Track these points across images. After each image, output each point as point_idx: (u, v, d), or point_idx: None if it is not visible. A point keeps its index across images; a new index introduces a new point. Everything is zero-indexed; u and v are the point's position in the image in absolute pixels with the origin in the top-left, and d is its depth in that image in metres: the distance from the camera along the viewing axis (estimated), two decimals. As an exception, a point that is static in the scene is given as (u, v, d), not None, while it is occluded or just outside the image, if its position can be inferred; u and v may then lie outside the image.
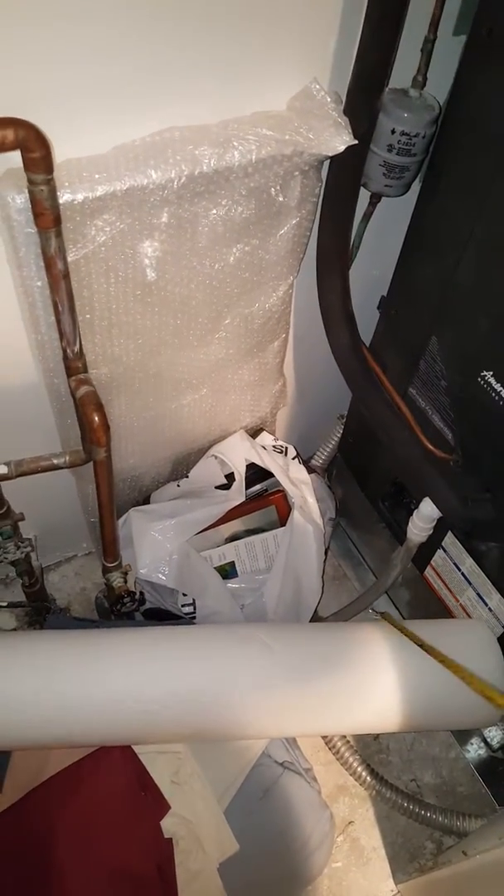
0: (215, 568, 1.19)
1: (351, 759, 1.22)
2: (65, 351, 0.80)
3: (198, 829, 1.05)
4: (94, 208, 0.71)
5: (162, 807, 1.04)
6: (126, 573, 1.08)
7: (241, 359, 1.08)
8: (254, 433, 1.26)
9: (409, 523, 1.09)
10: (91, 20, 0.63)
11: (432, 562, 1.15)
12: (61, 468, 0.93)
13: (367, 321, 1.11)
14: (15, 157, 0.61)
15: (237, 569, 1.22)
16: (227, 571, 1.21)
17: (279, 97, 0.80)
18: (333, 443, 1.42)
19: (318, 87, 0.78)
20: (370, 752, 1.29)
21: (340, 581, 1.49)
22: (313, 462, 1.43)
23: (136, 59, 0.69)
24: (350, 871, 1.18)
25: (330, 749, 1.24)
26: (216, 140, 0.74)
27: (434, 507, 1.01)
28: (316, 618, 1.25)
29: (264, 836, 1.09)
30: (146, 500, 1.22)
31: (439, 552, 1.12)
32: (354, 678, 1.02)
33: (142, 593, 1.13)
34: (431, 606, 1.21)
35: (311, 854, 1.10)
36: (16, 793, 1.03)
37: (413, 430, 1.05)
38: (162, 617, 1.20)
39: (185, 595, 1.17)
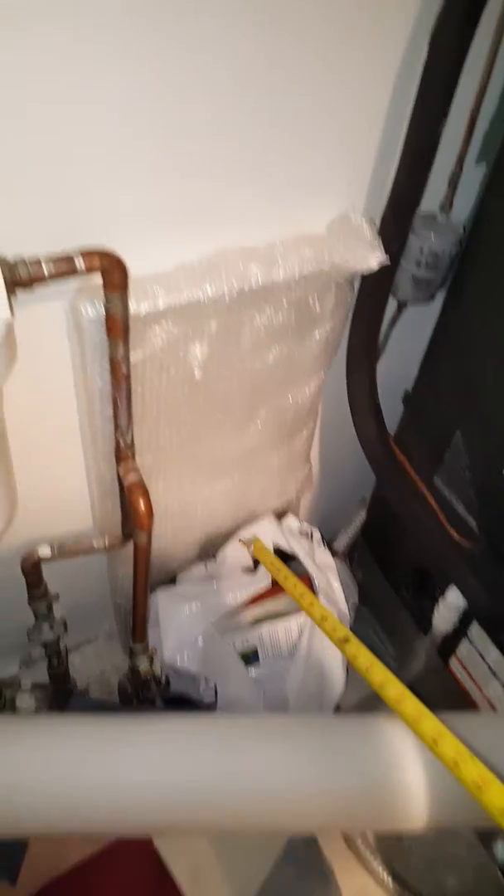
0: (238, 653, 1.26)
1: (373, 861, 1.25)
2: (118, 441, 0.91)
3: (217, 932, 1.08)
4: (155, 318, 0.84)
5: (181, 906, 1.08)
6: (152, 657, 1.15)
7: (271, 447, 1.20)
8: (279, 515, 1.36)
9: (434, 612, 1.18)
10: (165, 173, 0.79)
11: (457, 652, 1.23)
12: (100, 551, 1.03)
13: (391, 410, 1.23)
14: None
15: (260, 655, 1.29)
16: (250, 657, 1.28)
17: (320, 220, 0.95)
18: (356, 526, 1.52)
19: (355, 213, 0.93)
20: (392, 853, 1.32)
21: (361, 669, 1.55)
22: (335, 545, 1.53)
23: (199, 195, 0.83)
24: None
25: (351, 850, 1.28)
26: (264, 260, 0.88)
27: (461, 596, 1.09)
28: (338, 707, 1.31)
29: (284, 942, 1.12)
30: (172, 581, 1.30)
31: (464, 642, 1.20)
32: (378, 774, 1.07)
33: (167, 678, 1.20)
34: (456, 699, 1.27)
35: None
36: (31, 885, 1.07)
37: (438, 518, 1.15)
38: (182, 703, 1.26)
39: (206, 680, 1.24)
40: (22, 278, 0.64)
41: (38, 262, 0.65)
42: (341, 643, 0.98)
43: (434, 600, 1.19)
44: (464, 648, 1.20)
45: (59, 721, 1.08)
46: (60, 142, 0.69)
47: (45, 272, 0.66)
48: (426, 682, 1.40)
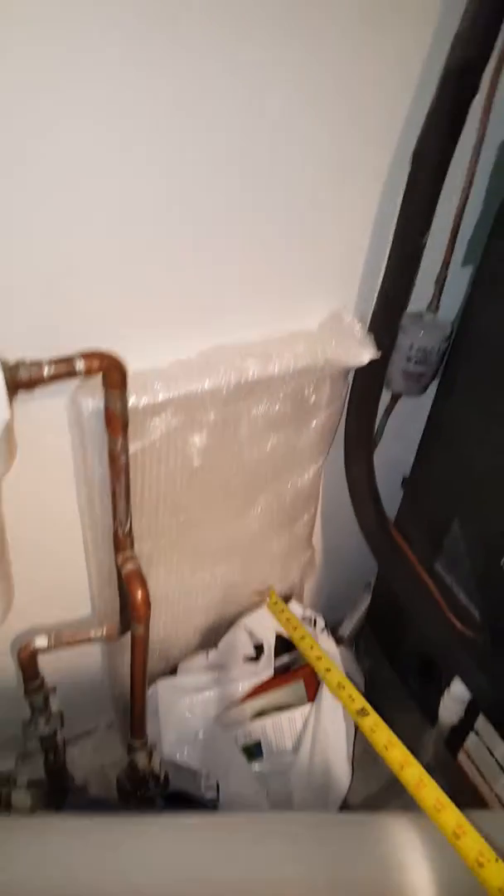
0: (241, 747, 1.22)
1: None
2: (116, 531, 0.93)
3: None
4: (155, 410, 0.88)
5: None
6: (151, 752, 1.12)
7: (272, 532, 1.20)
8: (283, 601, 1.35)
9: (441, 703, 1.15)
10: (165, 277, 0.84)
11: (465, 746, 1.19)
12: (98, 641, 1.02)
13: (391, 494, 1.24)
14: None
15: (263, 749, 1.25)
16: (253, 752, 1.24)
17: (313, 319, 1.00)
18: (360, 612, 1.50)
19: (346, 311, 0.98)
20: None
21: (370, 765, 1.49)
22: (340, 631, 1.50)
23: (197, 295, 0.88)
24: None
25: None
26: (259, 355, 0.92)
27: (465, 688, 1.07)
28: (345, 803, 1.25)
29: None
30: (173, 670, 1.28)
31: (472, 736, 1.16)
32: (386, 877, 1.02)
33: (167, 775, 1.16)
34: (465, 795, 1.22)
35: None
36: None
37: (440, 606, 1.14)
38: (182, 800, 1.22)
39: (208, 776, 1.20)
40: (23, 380, 0.67)
41: (40, 364, 0.69)
42: (358, 715, 0.96)
43: (440, 691, 1.16)
44: (471, 742, 1.16)
45: (55, 822, 1.05)
46: (62, 247, 0.74)
47: (46, 374, 0.69)
48: (434, 776, 1.34)
